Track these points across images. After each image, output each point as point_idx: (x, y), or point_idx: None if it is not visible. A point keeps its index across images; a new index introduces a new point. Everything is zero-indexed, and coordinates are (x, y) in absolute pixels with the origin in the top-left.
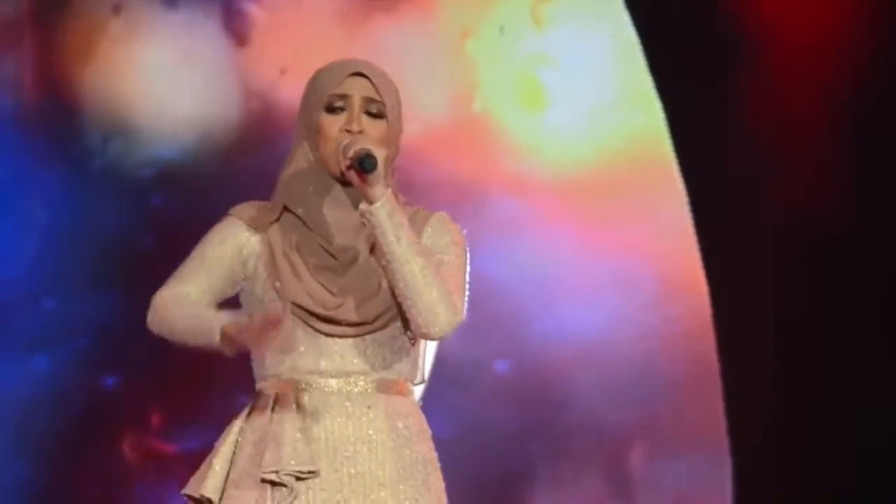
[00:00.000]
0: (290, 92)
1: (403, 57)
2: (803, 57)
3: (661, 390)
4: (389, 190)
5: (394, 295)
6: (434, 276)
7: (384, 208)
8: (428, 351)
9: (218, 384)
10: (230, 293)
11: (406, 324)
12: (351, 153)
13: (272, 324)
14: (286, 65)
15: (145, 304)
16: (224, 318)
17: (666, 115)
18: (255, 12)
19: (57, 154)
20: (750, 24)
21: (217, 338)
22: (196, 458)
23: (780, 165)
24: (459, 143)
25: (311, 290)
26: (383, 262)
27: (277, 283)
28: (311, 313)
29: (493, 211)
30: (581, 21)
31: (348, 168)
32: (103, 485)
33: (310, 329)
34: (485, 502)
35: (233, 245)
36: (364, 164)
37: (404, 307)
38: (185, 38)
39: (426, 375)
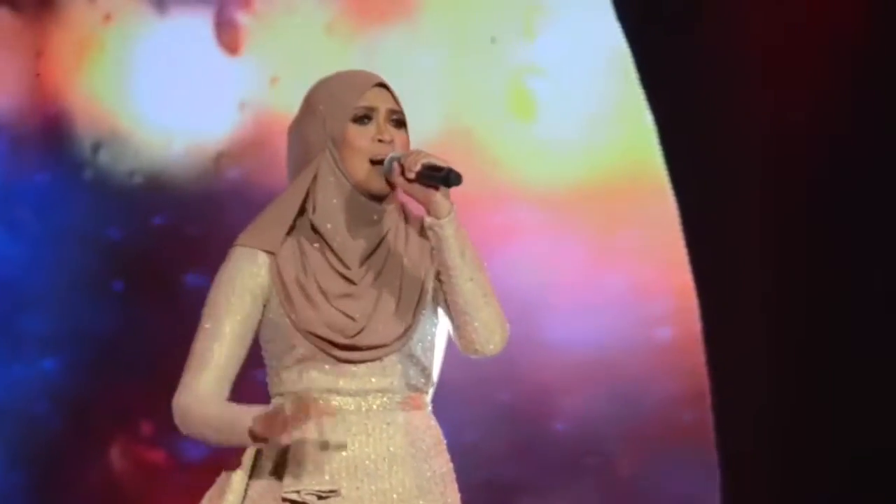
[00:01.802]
0: (281, 101)
1: (394, 66)
2: (797, 65)
3: (652, 403)
4: (455, 205)
5: (449, 310)
6: (492, 293)
7: (452, 223)
8: (438, 357)
9: None
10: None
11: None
12: (418, 167)
13: (300, 417)
14: (277, 74)
15: (135, 312)
16: (247, 418)
17: (656, 127)
18: (247, 21)
19: (48, 162)
20: (743, 37)
21: (248, 441)
22: (187, 467)
23: (773, 177)
24: (450, 153)
25: (329, 319)
26: (444, 277)
27: (293, 315)
28: (330, 342)
29: (482, 222)
30: (572, 32)
31: (412, 180)
32: (92, 493)
33: (329, 357)
34: None
35: (247, 288)
36: (450, 178)
37: (460, 322)
38: (176, 47)
39: (435, 379)
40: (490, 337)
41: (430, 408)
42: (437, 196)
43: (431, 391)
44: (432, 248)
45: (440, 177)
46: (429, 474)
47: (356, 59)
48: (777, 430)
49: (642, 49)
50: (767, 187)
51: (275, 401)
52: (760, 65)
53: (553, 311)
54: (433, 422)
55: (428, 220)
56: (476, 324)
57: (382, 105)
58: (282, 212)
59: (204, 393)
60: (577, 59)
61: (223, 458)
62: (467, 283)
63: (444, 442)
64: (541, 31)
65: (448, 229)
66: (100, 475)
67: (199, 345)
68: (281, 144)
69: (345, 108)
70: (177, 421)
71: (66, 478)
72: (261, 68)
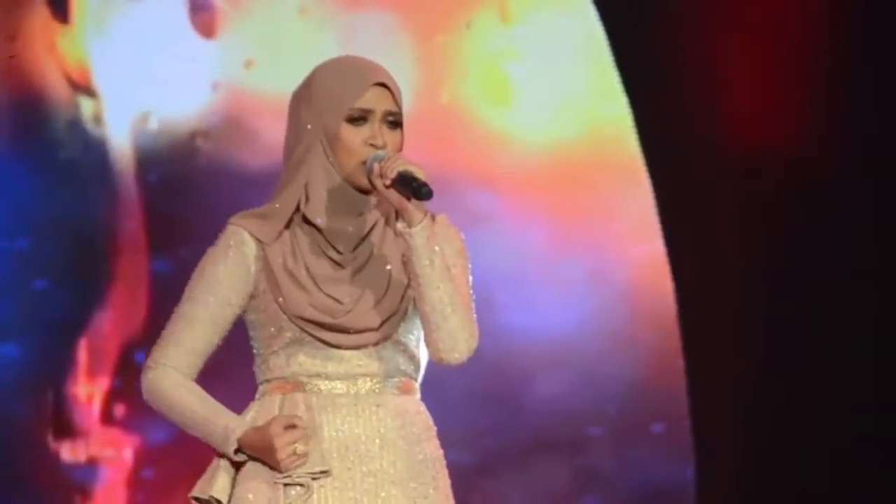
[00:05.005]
0: (256, 84)
1: (370, 52)
2: (777, 53)
3: (626, 384)
4: (428, 214)
5: (422, 318)
6: (460, 302)
7: (423, 232)
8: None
9: None
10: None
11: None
12: (394, 174)
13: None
14: (252, 57)
15: (111, 295)
16: (236, 428)
17: (632, 111)
18: (221, 4)
19: (22, 144)
20: (717, 22)
21: (231, 452)
22: (161, 450)
23: (748, 164)
24: (427, 136)
25: (317, 301)
26: (413, 283)
27: (280, 299)
28: (319, 324)
29: (459, 203)
30: (548, 16)
31: (388, 186)
32: (63, 477)
33: (317, 341)
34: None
35: (234, 276)
36: (421, 192)
37: (426, 329)
38: (151, 30)
39: (423, 366)
40: (454, 346)
41: (419, 395)
42: (410, 204)
43: (420, 378)
44: (402, 254)
45: (411, 188)
46: (420, 457)
47: (330, 42)
48: (750, 414)
49: (618, 33)
50: (745, 173)
51: (262, 388)
52: (739, 46)
53: (526, 291)
54: (422, 408)
55: (399, 226)
56: (441, 332)
57: (379, 107)
58: (281, 208)
59: (177, 374)
60: (552, 43)
61: (192, 440)
62: (434, 292)
63: (434, 429)
64: (516, 16)
65: (418, 239)
66: (71, 459)
67: (177, 323)
68: (257, 126)
69: (341, 106)
70: (146, 395)
71: (39, 462)
72: (235, 51)
